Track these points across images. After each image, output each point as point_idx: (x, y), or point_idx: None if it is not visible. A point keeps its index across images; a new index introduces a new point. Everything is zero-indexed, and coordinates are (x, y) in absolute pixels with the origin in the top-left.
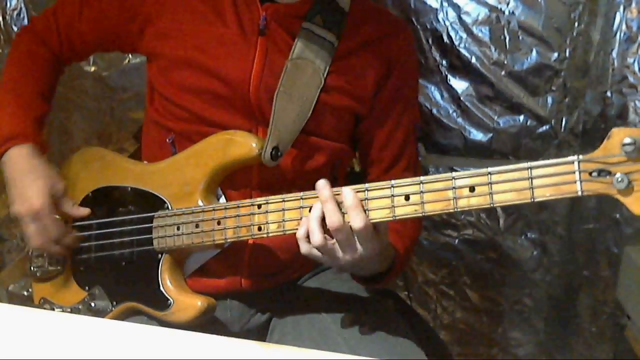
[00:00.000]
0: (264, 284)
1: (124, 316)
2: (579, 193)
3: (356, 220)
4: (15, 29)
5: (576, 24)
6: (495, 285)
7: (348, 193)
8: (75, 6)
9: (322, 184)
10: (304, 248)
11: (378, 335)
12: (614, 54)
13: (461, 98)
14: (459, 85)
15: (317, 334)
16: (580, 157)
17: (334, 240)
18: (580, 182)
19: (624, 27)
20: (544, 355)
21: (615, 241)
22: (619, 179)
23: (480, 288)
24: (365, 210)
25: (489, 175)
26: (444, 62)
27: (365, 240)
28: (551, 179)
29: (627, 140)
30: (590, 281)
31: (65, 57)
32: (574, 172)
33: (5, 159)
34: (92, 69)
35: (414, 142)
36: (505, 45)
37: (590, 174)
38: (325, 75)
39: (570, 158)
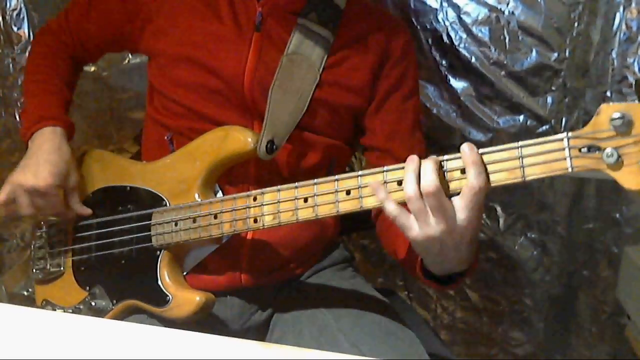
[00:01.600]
0: (263, 281)
1: (124, 314)
2: (569, 169)
3: (475, 179)
4: (15, 29)
5: (576, 24)
6: (495, 285)
7: (468, 148)
8: (84, 8)
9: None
10: (391, 208)
11: (380, 332)
12: (614, 54)
13: (461, 98)
14: (459, 85)
15: (318, 331)
16: (570, 133)
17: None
18: (570, 158)
19: (623, 27)
20: (544, 355)
21: (615, 241)
22: (609, 154)
23: (480, 288)
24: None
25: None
26: (444, 62)
27: (472, 211)
28: (541, 157)
29: (616, 115)
30: (590, 281)
31: (79, 56)
32: (563, 149)
33: (36, 135)
34: (92, 69)
35: (422, 133)
36: (505, 45)
37: (579, 150)
38: (320, 71)
39: (559, 135)
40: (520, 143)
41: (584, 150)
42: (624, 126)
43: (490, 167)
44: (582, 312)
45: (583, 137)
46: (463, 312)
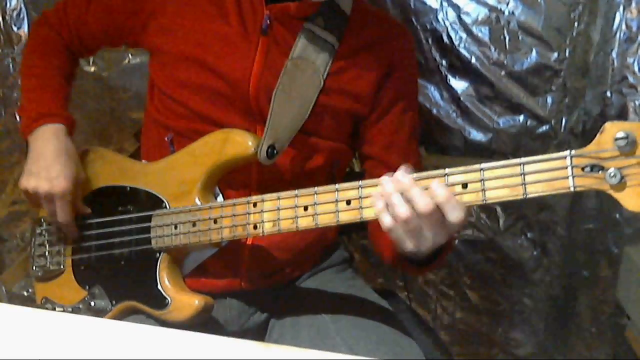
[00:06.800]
0: (263, 284)
1: (123, 315)
2: (571, 188)
3: (452, 215)
4: (15, 29)
5: (576, 24)
6: (495, 285)
7: (439, 188)
8: (84, 0)
9: (402, 172)
10: (387, 222)
11: (377, 334)
12: (614, 54)
13: (461, 98)
14: (459, 85)
15: (316, 333)
16: (573, 152)
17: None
18: (573, 177)
19: (623, 27)
20: (544, 355)
21: (615, 241)
22: (612, 174)
23: (480, 288)
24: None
25: (482, 172)
26: (444, 62)
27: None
28: (543, 175)
29: (620, 134)
30: (590, 281)
31: (76, 50)
32: (566, 168)
33: (38, 134)
34: (92, 69)
35: (417, 144)
36: (505, 45)
37: (582, 169)
38: (324, 77)
39: (562, 153)
40: (523, 159)
41: (587, 169)
42: (628, 146)
43: (492, 183)
44: (582, 312)
45: (586, 156)
46: (463, 313)
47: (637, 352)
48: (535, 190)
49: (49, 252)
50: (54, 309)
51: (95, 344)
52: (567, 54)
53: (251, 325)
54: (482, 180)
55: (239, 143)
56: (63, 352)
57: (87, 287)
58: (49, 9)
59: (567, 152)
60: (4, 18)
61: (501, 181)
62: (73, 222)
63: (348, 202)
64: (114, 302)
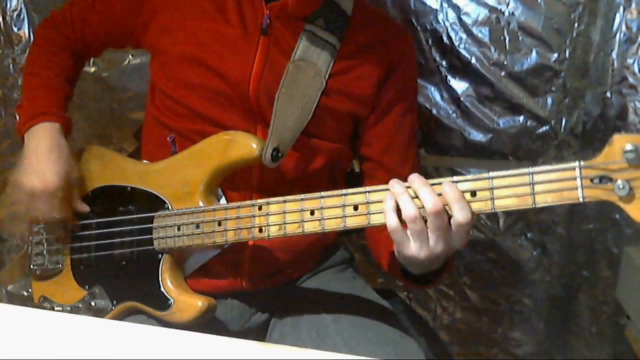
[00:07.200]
0: (264, 284)
1: (124, 315)
2: (581, 199)
3: (460, 214)
4: (15, 29)
5: (576, 25)
6: (495, 285)
7: (449, 187)
8: (89, 1)
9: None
10: (392, 222)
11: (377, 335)
12: (614, 54)
13: (461, 99)
14: (459, 85)
15: (316, 333)
16: (582, 163)
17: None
18: (582, 188)
19: (623, 27)
20: (544, 355)
21: (615, 241)
22: (620, 186)
23: (480, 288)
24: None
25: (491, 180)
26: (444, 62)
27: (465, 233)
28: (552, 185)
29: (629, 147)
30: (590, 281)
31: (81, 50)
32: (575, 179)
33: (33, 131)
34: (92, 69)
35: (416, 147)
36: (505, 46)
37: (591, 180)
38: (326, 78)
39: (571, 164)
40: (532, 169)
41: (596, 180)
42: (637, 159)
43: (501, 192)
44: (582, 312)
45: (595, 167)
46: (463, 312)
47: (637, 352)
48: (544, 200)
49: (47, 251)
50: (52, 308)
51: (95, 344)
52: (567, 54)
53: (252, 325)
54: (491, 188)
55: (243, 145)
56: (63, 352)
57: (87, 287)
58: (55, 9)
59: (576, 164)
60: (4, 18)
61: (510, 190)
62: (66, 221)
63: (355, 208)
64: (114, 302)
